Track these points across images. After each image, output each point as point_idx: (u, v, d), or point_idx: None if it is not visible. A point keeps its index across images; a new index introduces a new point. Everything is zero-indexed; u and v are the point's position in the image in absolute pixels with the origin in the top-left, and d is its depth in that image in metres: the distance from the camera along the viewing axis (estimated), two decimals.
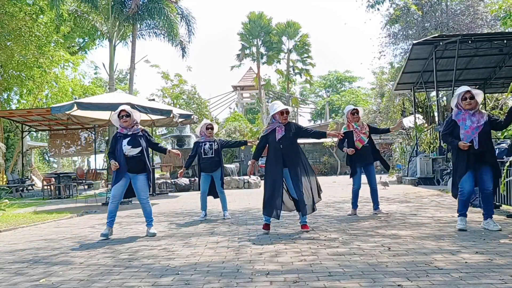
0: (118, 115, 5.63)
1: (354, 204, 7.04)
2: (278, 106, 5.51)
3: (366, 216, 6.81)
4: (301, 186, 5.36)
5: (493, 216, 5.26)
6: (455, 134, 5.16)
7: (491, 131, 5.22)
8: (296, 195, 5.35)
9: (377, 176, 16.57)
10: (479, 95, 5.13)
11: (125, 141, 5.53)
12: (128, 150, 5.49)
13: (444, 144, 14.07)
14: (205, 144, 7.13)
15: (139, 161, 5.55)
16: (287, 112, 5.47)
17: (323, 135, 5.72)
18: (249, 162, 5.81)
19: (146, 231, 5.74)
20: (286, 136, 5.40)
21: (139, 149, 5.54)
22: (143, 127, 5.79)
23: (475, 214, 6.64)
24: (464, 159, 5.10)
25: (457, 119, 5.16)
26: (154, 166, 14.91)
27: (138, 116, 5.81)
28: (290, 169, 5.37)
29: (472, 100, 5.04)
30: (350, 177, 7.05)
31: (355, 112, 6.86)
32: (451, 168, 13.40)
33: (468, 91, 5.08)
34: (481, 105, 5.23)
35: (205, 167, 7.12)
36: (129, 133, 5.59)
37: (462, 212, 5.24)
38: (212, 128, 7.25)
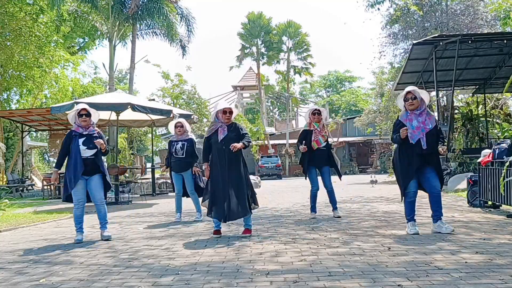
0: (78, 113, 5.43)
1: (313, 208, 6.86)
2: (221, 105, 5.43)
3: (366, 216, 6.82)
4: (240, 189, 5.22)
5: (442, 217, 5.09)
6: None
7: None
8: (230, 197, 5.19)
9: (371, 175, 16.56)
10: (424, 96, 5.05)
11: (80, 141, 5.35)
12: (83, 151, 5.33)
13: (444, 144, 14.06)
14: (177, 144, 7.00)
15: (93, 163, 5.38)
16: (230, 111, 5.34)
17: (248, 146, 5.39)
18: (204, 167, 5.43)
19: (100, 234, 5.54)
20: (229, 137, 5.23)
21: (94, 150, 5.37)
22: (98, 129, 5.62)
23: (475, 214, 6.65)
24: (409, 161, 4.97)
25: (403, 120, 5.07)
26: (154, 166, 14.92)
27: (97, 116, 5.64)
28: (230, 171, 5.22)
29: (414, 101, 4.97)
30: (305, 178, 6.83)
31: (316, 112, 6.75)
32: (451, 168, 13.37)
33: (409, 92, 5.02)
34: (431, 106, 5.15)
35: (174, 167, 7.03)
36: (84, 133, 5.41)
37: (411, 217, 5.11)
38: (181, 126, 7.06)
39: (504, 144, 6.76)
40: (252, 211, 5.42)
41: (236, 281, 3.33)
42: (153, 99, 22.62)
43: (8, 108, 19.75)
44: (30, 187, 16.96)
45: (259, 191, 13.84)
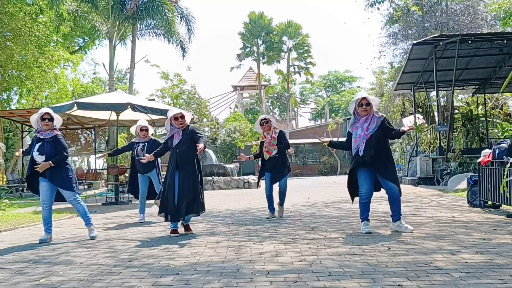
0: (41, 116, 5.46)
1: (271, 209, 7.02)
2: (172, 112, 5.67)
3: None
4: (186, 189, 5.43)
5: (401, 217, 5.29)
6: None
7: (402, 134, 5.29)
8: (177, 196, 5.44)
9: None
10: (375, 103, 5.24)
11: (36, 146, 5.43)
12: (36, 156, 5.41)
13: (444, 144, 14.08)
14: (138, 145, 7.12)
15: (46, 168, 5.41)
16: (182, 116, 5.61)
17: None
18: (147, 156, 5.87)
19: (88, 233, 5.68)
20: (183, 141, 5.51)
21: (44, 157, 5.39)
22: (58, 133, 5.59)
23: (475, 214, 6.65)
24: (356, 164, 5.21)
25: (351, 130, 5.30)
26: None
27: (60, 121, 5.68)
28: (180, 171, 5.45)
29: (367, 107, 5.15)
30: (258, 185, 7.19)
31: (263, 122, 6.83)
32: (451, 168, 13.36)
33: (364, 98, 5.19)
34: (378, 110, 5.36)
35: (139, 168, 7.13)
36: (41, 138, 5.47)
37: (364, 216, 5.33)
38: (146, 130, 7.14)
39: (504, 144, 6.75)
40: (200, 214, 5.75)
41: (236, 281, 3.33)
42: (153, 99, 22.62)
43: (8, 108, 19.75)
44: None
45: (259, 191, 13.82)
